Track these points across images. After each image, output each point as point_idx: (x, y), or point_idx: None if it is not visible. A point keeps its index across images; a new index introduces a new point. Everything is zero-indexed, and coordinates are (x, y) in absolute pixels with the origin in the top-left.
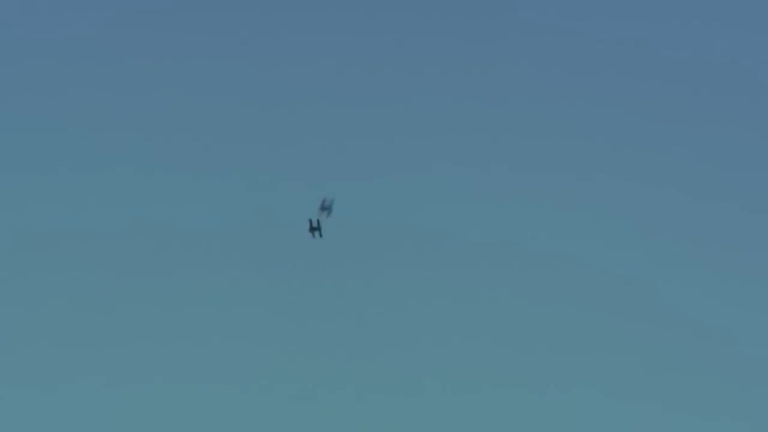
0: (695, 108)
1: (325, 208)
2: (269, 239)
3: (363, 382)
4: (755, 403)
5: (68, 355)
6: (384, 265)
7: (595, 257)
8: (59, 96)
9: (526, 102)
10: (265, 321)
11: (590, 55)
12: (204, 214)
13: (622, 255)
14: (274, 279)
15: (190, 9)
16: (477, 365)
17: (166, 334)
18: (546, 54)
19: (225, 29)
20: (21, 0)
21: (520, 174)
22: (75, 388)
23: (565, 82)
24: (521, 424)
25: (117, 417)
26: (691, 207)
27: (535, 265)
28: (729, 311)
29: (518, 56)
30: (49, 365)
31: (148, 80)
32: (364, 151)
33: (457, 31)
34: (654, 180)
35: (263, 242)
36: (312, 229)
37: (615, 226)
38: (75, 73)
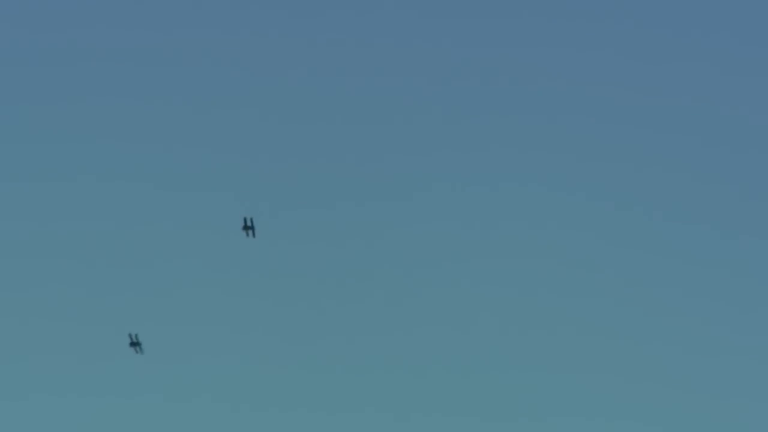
0: (708, 122)
1: (248, 227)
2: (271, 252)
3: (365, 393)
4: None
5: (68, 362)
6: (393, 279)
7: (604, 270)
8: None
9: (529, 112)
10: (267, 332)
11: (598, 64)
12: (206, 225)
13: (628, 265)
14: (275, 291)
15: (185, 9)
16: (481, 379)
17: (171, 346)
18: (549, 61)
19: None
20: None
21: (526, 186)
22: (75, 397)
23: (568, 90)
24: None
25: (117, 428)
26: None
27: (544, 279)
28: (745, 331)
29: (524, 63)
30: (49, 373)
31: (143, 84)
32: (367, 159)
33: (461, 37)
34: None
35: (266, 255)
36: (245, 228)
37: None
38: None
